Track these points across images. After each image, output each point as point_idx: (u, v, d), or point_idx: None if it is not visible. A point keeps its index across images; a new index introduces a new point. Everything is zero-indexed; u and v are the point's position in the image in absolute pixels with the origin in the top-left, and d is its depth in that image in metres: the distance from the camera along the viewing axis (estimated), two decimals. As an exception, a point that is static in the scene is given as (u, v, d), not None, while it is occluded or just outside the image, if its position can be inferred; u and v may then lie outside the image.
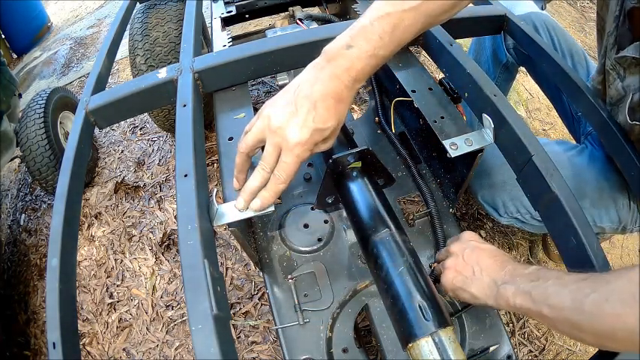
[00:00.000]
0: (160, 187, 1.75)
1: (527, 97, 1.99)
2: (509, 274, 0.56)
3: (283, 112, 0.53)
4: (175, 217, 1.61)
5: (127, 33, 1.24)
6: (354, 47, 0.53)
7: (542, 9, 0.85)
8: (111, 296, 1.45)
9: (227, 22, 1.28)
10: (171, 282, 1.45)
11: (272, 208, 0.58)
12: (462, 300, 0.64)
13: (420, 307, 0.53)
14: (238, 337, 1.28)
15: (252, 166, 0.60)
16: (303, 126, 0.52)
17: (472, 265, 0.62)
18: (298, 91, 0.53)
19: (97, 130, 1.25)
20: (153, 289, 1.44)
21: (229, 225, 0.61)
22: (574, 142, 1.16)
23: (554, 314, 0.47)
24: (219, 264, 1.41)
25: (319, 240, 0.84)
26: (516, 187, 0.93)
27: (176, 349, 1.30)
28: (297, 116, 0.52)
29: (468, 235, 0.68)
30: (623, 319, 0.41)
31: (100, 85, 0.89)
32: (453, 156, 0.68)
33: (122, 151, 1.96)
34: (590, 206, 0.90)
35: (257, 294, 1.36)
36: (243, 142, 0.58)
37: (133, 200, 1.72)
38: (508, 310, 0.55)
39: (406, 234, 0.64)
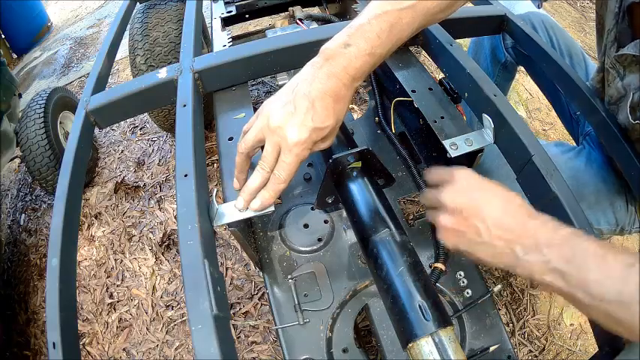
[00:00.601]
0: (160, 187, 1.75)
1: (527, 97, 1.99)
2: (533, 239, 0.44)
3: (282, 112, 0.53)
4: (175, 217, 1.61)
5: (127, 33, 1.24)
6: (352, 46, 0.52)
7: (539, 8, 0.85)
8: (111, 296, 1.45)
9: (227, 22, 1.28)
10: (171, 282, 1.45)
11: (272, 208, 0.58)
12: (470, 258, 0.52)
13: (420, 307, 0.53)
14: (238, 337, 1.28)
15: (252, 166, 0.60)
16: (302, 125, 0.52)
17: (477, 222, 0.47)
18: (297, 91, 0.53)
19: (97, 130, 1.25)
20: (153, 289, 1.44)
21: (229, 225, 0.61)
22: (573, 142, 1.16)
23: (591, 302, 0.40)
24: (219, 264, 1.41)
25: (319, 240, 0.84)
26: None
27: (176, 349, 1.30)
28: (295, 116, 0.52)
29: (464, 176, 0.52)
30: None
31: (100, 85, 0.89)
32: (453, 156, 0.68)
33: (122, 151, 1.96)
34: (587, 208, 0.90)
35: (257, 294, 1.36)
36: (242, 142, 0.58)
37: (133, 200, 1.72)
38: (528, 278, 0.45)
39: (406, 234, 0.64)
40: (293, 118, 0.52)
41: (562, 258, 0.42)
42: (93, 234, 1.64)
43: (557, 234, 0.44)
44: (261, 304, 1.34)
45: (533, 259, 0.43)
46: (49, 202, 1.85)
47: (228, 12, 1.28)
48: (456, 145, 0.69)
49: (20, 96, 1.87)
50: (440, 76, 0.90)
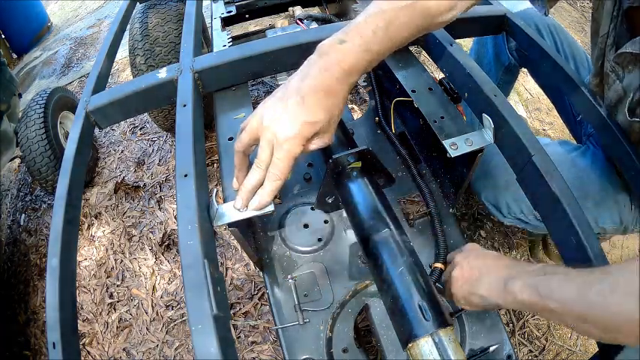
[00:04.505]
0: (160, 187, 1.75)
1: (527, 97, 1.99)
2: (516, 271, 0.57)
3: (274, 109, 0.54)
4: (175, 217, 1.61)
5: (127, 33, 1.24)
6: (347, 42, 0.53)
7: (546, 15, 0.85)
8: (111, 296, 1.45)
9: (227, 22, 1.28)
10: (172, 282, 1.45)
11: (272, 208, 0.58)
12: (475, 307, 0.64)
13: (420, 307, 0.53)
14: (238, 337, 1.28)
15: (251, 165, 0.60)
16: (292, 120, 0.52)
17: (477, 268, 0.62)
18: (289, 87, 0.54)
19: (97, 130, 1.25)
20: (153, 289, 1.44)
21: (229, 225, 0.61)
22: (575, 142, 1.16)
23: (560, 307, 0.47)
24: (219, 264, 1.41)
25: (319, 240, 0.84)
26: (520, 188, 0.93)
27: (176, 349, 1.31)
28: (286, 112, 0.52)
29: (471, 245, 0.70)
30: (626, 310, 0.41)
31: (100, 85, 0.89)
32: (453, 156, 0.68)
33: (122, 151, 1.96)
34: (593, 207, 0.90)
35: (257, 294, 1.36)
36: (238, 140, 0.58)
37: (133, 200, 1.72)
38: (515, 307, 0.56)
39: (406, 234, 0.64)
40: (283, 114, 0.53)
41: (535, 276, 0.52)
42: (93, 234, 1.64)
43: (532, 266, 0.56)
44: (261, 304, 1.34)
45: (516, 282, 0.53)
46: (49, 202, 1.85)
47: (228, 12, 1.28)
48: (456, 145, 0.69)
49: (20, 96, 1.87)
50: (440, 76, 0.90)
